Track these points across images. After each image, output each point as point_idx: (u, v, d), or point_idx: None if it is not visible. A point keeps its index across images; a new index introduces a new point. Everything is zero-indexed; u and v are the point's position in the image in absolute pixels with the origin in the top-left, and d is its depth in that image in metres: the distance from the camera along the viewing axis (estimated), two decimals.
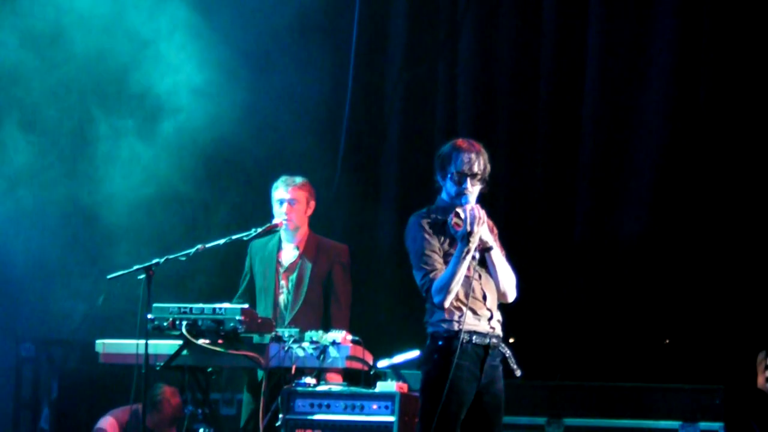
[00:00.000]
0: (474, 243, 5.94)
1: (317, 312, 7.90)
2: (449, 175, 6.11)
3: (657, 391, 8.26)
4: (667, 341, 8.84)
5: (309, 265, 7.95)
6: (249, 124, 10.52)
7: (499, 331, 6.12)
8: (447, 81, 10.12)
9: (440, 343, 5.99)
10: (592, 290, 9.38)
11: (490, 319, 6.08)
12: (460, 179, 6.10)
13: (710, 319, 8.92)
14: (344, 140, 10.33)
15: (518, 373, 6.17)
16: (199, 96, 10.51)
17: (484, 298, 6.08)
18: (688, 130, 9.21)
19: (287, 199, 7.95)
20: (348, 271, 8.02)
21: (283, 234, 8.06)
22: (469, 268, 6.01)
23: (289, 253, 8.03)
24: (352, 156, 10.31)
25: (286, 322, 7.80)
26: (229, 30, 10.55)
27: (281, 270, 8.00)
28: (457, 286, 5.94)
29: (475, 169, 6.10)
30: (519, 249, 9.44)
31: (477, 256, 6.03)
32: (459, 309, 5.99)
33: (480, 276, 6.08)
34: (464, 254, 5.92)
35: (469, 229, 5.90)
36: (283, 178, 8.04)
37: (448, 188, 6.15)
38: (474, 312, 6.02)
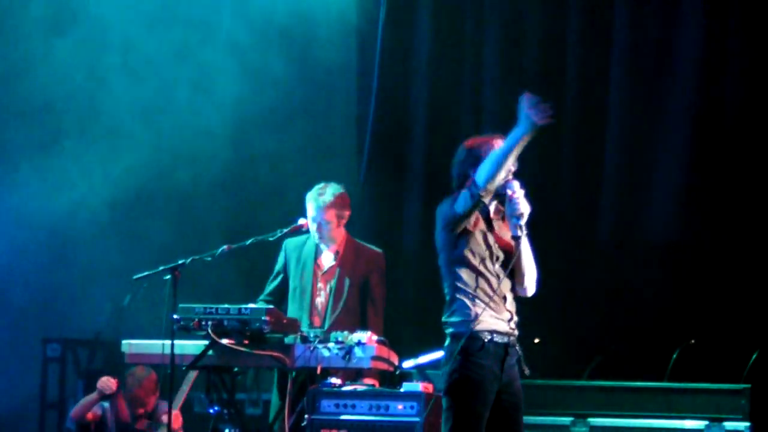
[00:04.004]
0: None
1: (355, 316, 7.87)
2: None
3: (683, 391, 8.22)
4: (693, 341, 8.81)
5: (348, 271, 7.93)
6: (276, 123, 10.58)
7: (516, 331, 6.13)
8: (472, 82, 10.12)
9: (462, 342, 5.99)
10: (617, 289, 9.36)
11: (510, 320, 6.09)
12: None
13: (736, 319, 8.89)
14: (369, 140, 10.34)
15: (527, 372, 6.18)
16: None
17: (504, 299, 6.09)
18: (715, 130, 9.18)
19: (317, 220, 7.92)
20: (384, 275, 8.02)
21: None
22: (489, 266, 6.04)
23: (327, 257, 8.00)
24: (378, 156, 10.31)
25: (326, 326, 7.78)
26: (255, 28, 10.63)
27: (320, 273, 7.98)
28: (504, 167, 5.90)
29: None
30: (544, 248, 9.46)
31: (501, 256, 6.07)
32: (480, 307, 6.00)
33: (499, 276, 6.09)
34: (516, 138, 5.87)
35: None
36: (314, 194, 7.94)
37: None
38: (495, 312, 6.03)
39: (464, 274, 6.04)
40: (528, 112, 5.86)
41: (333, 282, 7.92)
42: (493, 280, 6.05)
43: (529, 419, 8.02)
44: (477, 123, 9.99)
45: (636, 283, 9.32)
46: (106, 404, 9.05)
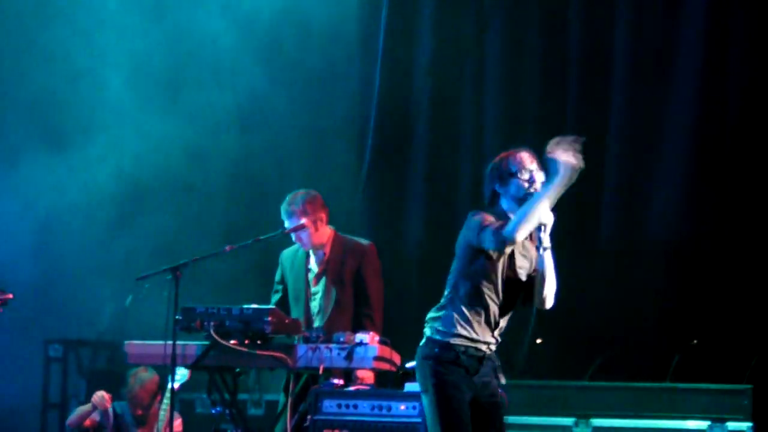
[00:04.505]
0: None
1: (348, 313, 7.85)
2: (513, 174, 6.07)
3: (685, 392, 8.23)
4: (696, 341, 8.81)
5: (336, 270, 7.87)
6: (279, 123, 10.60)
7: (494, 348, 6.15)
8: (474, 79, 10.12)
9: (437, 350, 6.01)
10: (619, 290, 9.35)
11: (489, 344, 6.10)
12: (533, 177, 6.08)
13: (738, 319, 8.89)
14: (372, 139, 10.34)
15: (503, 380, 6.18)
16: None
17: (496, 325, 6.09)
18: (717, 132, 9.18)
19: (291, 231, 7.91)
20: (377, 268, 7.93)
21: None
22: (498, 293, 6.04)
23: (317, 259, 7.98)
24: (380, 155, 10.32)
25: (319, 326, 7.75)
26: (266, 31, 10.66)
27: (310, 277, 7.97)
28: (536, 218, 5.87)
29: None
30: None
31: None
32: (466, 329, 6.00)
33: (504, 304, 6.09)
34: (552, 189, 5.83)
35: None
36: (285, 206, 7.89)
37: (513, 191, 6.11)
38: (478, 334, 6.03)
39: (469, 292, 6.03)
40: (561, 158, 5.79)
41: (322, 284, 7.90)
42: (493, 308, 6.05)
43: (531, 420, 8.06)
44: (479, 122, 10.00)
45: (638, 283, 9.32)
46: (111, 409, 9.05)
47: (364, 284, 7.87)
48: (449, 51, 10.20)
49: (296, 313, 7.90)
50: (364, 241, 8.05)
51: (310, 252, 7.98)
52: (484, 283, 6.03)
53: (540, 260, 6.11)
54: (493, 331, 6.08)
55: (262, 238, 7.78)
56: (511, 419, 7.39)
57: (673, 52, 9.39)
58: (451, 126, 10.12)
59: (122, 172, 10.84)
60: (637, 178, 9.44)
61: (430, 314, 6.13)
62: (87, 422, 8.97)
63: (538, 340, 9.18)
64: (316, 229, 7.88)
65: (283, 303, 7.98)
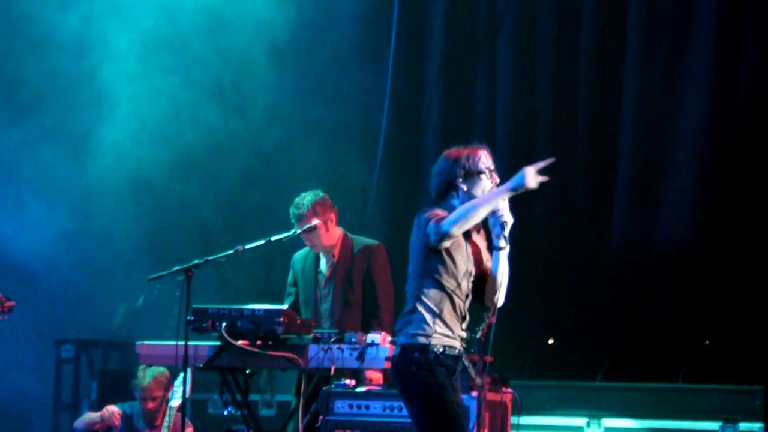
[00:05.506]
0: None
1: (358, 315, 7.86)
2: (481, 173, 6.05)
3: (697, 392, 8.23)
4: (707, 342, 8.80)
5: (345, 271, 7.88)
6: (289, 125, 10.60)
7: (464, 346, 6.14)
8: (486, 80, 10.12)
9: (416, 355, 5.96)
10: (632, 291, 9.35)
11: (462, 339, 6.10)
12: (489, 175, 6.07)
13: (750, 320, 8.88)
14: (383, 139, 10.34)
15: (479, 381, 6.17)
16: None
17: (464, 319, 6.08)
18: (728, 135, 9.17)
19: (304, 232, 7.89)
20: (386, 269, 7.94)
21: None
22: (460, 285, 6.01)
23: (327, 261, 7.99)
24: (392, 155, 10.32)
25: (329, 327, 7.75)
26: (280, 28, 10.67)
27: (320, 279, 7.97)
28: (477, 219, 5.85)
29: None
30: (558, 251, 9.48)
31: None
32: (438, 325, 5.99)
33: (468, 296, 6.07)
34: (500, 194, 5.78)
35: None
36: (293, 209, 7.89)
37: (477, 189, 6.08)
38: (451, 330, 6.02)
39: (431, 289, 5.99)
40: (526, 172, 5.72)
41: (331, 286, 7.90)
42: (458, 301, 6.03)
43: (543, 420, 8.06)
44: (491, 123, 10.00)
45: (650, 284, 9.31)
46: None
47: (372, 285, 7.88)
48: (461, 49, 10.21)
49: (306, 315, 7.90)
50: (374, 242, 8.06)
51: (321, 254, 7.98)
52: (446, 278, 5.99)
53: (495, 259, 6.07)
54: (461, 324, 6.07)
55: (273, 239, 7.77)
56: (523, 419, 7.40)
57: (684, 61, 9.38)
58: (463, 125, 10.12)
59: (136, 176, 10.86)
60: (648, 181, 9.44)
61: (399, 323, 6.08)
62: (97, 425, 8.98)
63: (550, 341, 9.18)
64: (327, 230, 7.88)
65: (296, 306, 7.98)
